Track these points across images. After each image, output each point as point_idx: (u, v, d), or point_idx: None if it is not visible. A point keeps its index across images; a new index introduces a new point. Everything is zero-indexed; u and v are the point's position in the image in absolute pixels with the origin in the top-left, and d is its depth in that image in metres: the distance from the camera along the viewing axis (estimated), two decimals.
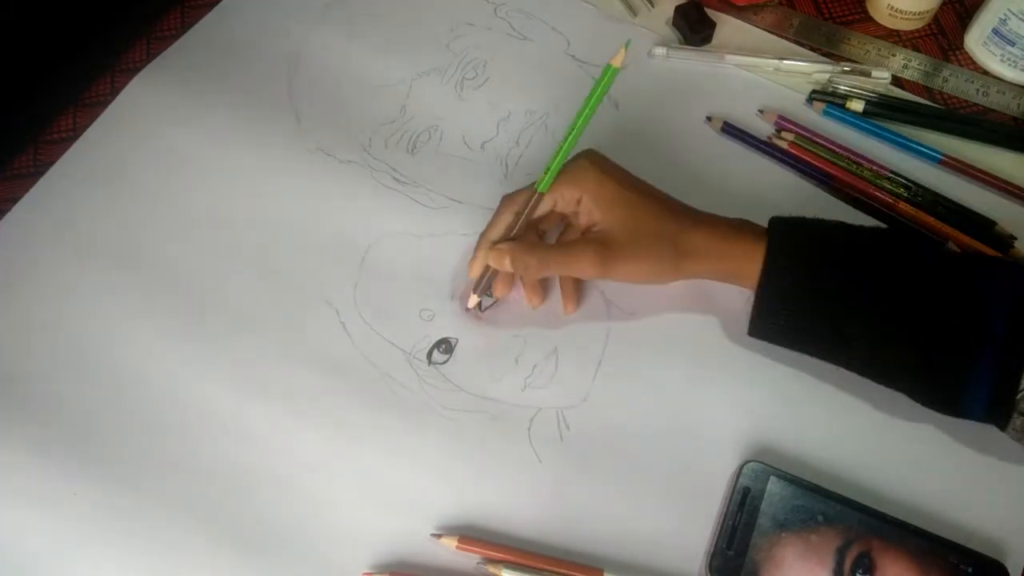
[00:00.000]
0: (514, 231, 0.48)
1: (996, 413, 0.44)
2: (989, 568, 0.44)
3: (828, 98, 0.59)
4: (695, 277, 0.48)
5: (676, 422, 0.49)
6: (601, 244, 0.46)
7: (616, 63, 0.45)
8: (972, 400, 0.44)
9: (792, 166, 0.57)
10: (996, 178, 0.56)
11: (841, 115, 0.58)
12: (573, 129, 0.46)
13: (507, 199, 0.49)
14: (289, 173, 0.57)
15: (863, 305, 0.45)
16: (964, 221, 0.54)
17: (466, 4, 0.64)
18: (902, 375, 0.46)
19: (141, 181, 0.56)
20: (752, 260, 0.46)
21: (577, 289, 0.52)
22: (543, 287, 0.52)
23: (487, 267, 0.49)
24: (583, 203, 0.47)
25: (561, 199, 0.48)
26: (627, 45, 0.45)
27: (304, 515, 0.46)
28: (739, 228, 0.48)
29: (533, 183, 0.48)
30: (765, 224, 0.48)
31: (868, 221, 0.54)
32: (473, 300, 0.51)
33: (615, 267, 0.47)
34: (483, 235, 0.49)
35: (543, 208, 0.48)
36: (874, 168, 0.56)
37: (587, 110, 0.46)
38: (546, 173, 0.47)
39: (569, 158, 0.48)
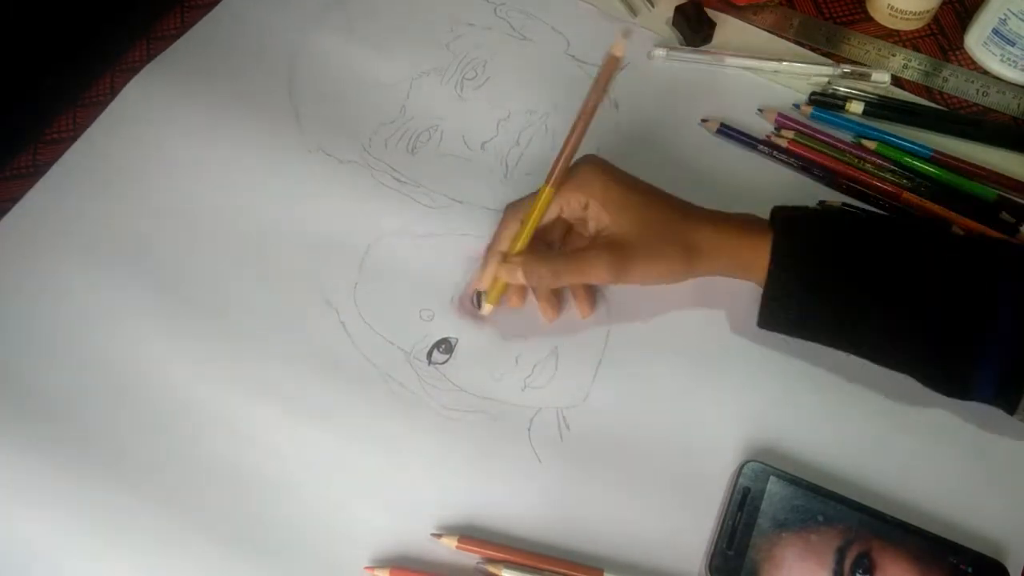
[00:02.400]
0: (522, 239, 0.48)
1: (1005, 394, 0.44)
2: (989, 568, 0.44)
3: (828, 99, 0.59)
4: (708, 274, 0.48)
5: (676, 422, 0.49)
6: (613, 248, 0.46)
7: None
8: (981, 382, 0.44)
9: (793, 165, 0.57)
10: (985, 169, 0.56)
11: (828, 117, 0.58)
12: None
13: (511, 207, 0.49)
14: (289, 173, 0.57)
15: (870, 293, 0.45)
16: (969, 207, 0.54)
17: (466, 4, 0.64)
18: (911, 360, 0.46)
19: (141, 181, 0.56)
20: (762, 253, 0.46)
21: (590, 292, 0.52)
22: (558, 299, 0.51)
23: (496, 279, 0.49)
24: (590, 208, 0.47)
25: (567, 205, 0.48)
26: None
27: (304, 515, 0.46)
28: (746, 222, 0.48)
29: (536, 192, 0.48)
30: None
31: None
32: (488, 309, 0.50)
33: (630, 270, 0.46)
34: (491, 246, 0.49)
35: (550, 215, 0.48)
36: (876, 161, 0.56)
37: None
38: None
39: (573, 162, 0.47)
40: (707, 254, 0.47)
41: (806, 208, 0.48)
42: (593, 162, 0.48)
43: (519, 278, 0.47)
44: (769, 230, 0.47)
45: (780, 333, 0.48)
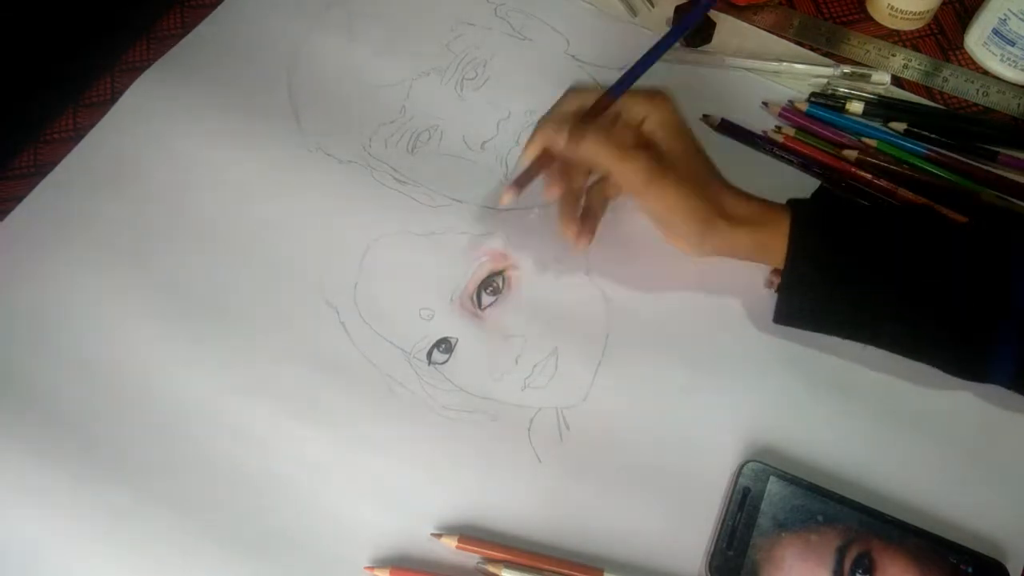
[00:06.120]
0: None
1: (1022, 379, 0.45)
2: (989, 568, 0.44)
3: (828, 99, 0.59)
4: (722, 250, 0.48)
5: (676, 422, 0.49)
6: (658, 158, 0.46)
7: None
8: (999, 365, 0.45)
9: (793, 162, 0.57)
10: (983, 166, 0.56)
11: (828, 117, 0.58)
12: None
13: (572, 91, 0.49)
14: (289, 173, 0.57)
15: (889, 285, 0.45)
16: (967, 204, 0.54)
17: (466, 4, 0.64)
18: (928, 348, 0.47)
19: (142, 181, 0.56)
20: (780, 234, 0.46)
21: (596, 219, 0.51)
22: (588, 223, 0.50)
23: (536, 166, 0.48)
24: (647, 124, 0.47)
25: (627, 111, 0.47)
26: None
27: (304, 515, 0.46)
28: (768, 203, 0.48)
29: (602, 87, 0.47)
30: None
31: None
32: (509, 195, 0.48)
33: (659, 187, 0.45)
34: (543, 119, 0.49)
35: (608, 115, 0.47)
36: (873, 162, 0.56)
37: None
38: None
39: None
40: (732, 221, 0.47)
41: (822, 200, 0.48)
42: (667, 91, 0.48)
43: (559, 141, 0.46)
44: (788, 213, 0.47)
45: (796, 327, 0.48)
